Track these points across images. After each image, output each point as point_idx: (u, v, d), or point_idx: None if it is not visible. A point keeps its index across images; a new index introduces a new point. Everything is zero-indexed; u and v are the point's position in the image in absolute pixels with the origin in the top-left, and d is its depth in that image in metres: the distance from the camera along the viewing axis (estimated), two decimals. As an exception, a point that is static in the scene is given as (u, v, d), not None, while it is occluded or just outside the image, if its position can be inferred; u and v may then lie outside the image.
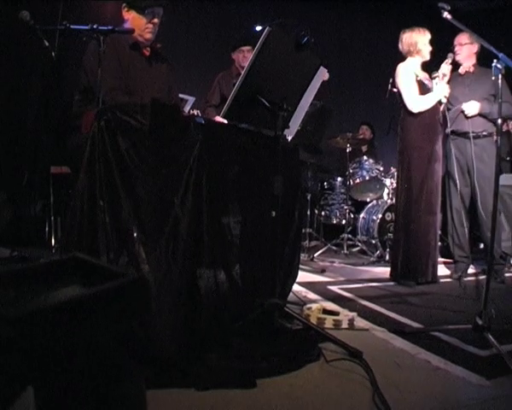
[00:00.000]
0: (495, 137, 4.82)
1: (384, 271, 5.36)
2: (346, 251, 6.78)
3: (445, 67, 4.97)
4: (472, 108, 5.11)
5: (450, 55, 5.09)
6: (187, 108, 4.67)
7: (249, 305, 2.84)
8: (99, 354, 1.30)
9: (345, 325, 3.14)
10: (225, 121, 3.13)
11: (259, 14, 7.68)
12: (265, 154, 3.02)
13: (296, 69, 3.12)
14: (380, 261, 6.20)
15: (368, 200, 7.33)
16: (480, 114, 5.12)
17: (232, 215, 2.87)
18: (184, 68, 6.90)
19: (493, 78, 3.08)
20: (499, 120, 3.13)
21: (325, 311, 3.27)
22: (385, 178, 6.99)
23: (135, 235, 2.45)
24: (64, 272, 1.52)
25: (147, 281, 2.19)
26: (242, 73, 2.84)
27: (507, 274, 5.46)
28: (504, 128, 6.86)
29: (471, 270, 5.61)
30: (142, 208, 2.47)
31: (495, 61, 3.03)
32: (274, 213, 2.83)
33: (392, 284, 4.82)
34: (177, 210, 2.48)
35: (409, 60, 5.01)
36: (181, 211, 2.49)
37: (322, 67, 3.29)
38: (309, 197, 7.31)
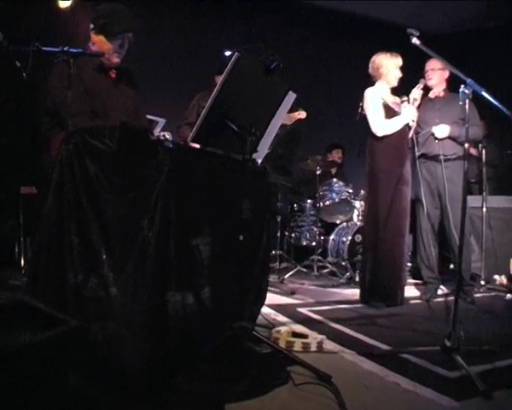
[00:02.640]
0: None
1: (354, 292, 5.37)
2: (316, 273, 6.76)
3: (417, 92, 5.02)
4: (442, 131, 5.17)
5: (422, 80, 5.16)
6: (157, 130, 4.64)
7: (218, 328, 2.82)
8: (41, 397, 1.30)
9: (314, 347, 3.13)
10: (197, 146, 3.13)
11: (231, 37, 7.71)
12: (234, 177, 3.02)
13: (265, 94, 3.15)
14: (349, 283, 6.20)
15: (338, 222, 7.34)
16: (449, 138, 5.20)
17: (201, 238, 2.86)
18: (157, 90, 6.90)
19: (461, 103, 3.13)
20: (466, 144, 3.18)
21: (294, 334, 3.27)
22: (354, 200, 7.03)
23: (103, 257, 2.44)
24: (12, 317, 1.52)
25: (85, 329, 2.18)
26: (210, 97, 2.85)
27: (477, 295, 5.52)
28: (474, 153, 6.97)
29: (441, 291, 5.64)
30: (111, 231, 2.46)
31: (462, 86, 3.08)
32: (241, 237, 2.84)
33: (361, 305, 4.83)
34: (144, 233, 2.47)
35: (377, 84, 5.06)
36: (148, 234, 2.48)
37: (291, 92, 3.30)
38: (279, 219, 7.31)
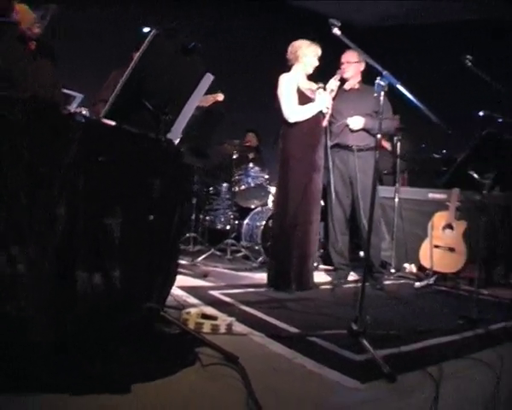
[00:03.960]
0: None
1: (265, 277, 5.40)
2: (229, 256, 6.79)
3: (334, 83, 5.09)
4: (356, 122, 5.28)
5: (339, 71, 5.24)
6: (74, 106, 4.53)
7: (127, 309, 2.79)
8: None
9: (223, 329, 3.14)
10: (111, 122, 3.07)
11: (152, 14, 7.58)
12: (147, 156, 2.99)
13: (182, 74, 3.12)
14: (262, 267, 6.17)
15: (252, 206, 7.35)
16: (363, 129, 5.31)
17: (113, 217, 2.81)
18: (76, 64, 6.72)
19: (375, 94, 3.19)
20: (378, 135, 3.25)
21: (204, 316, 3.26)
22: (270, 185, 7.03)
23: (10, 233, 2.35)
24: None
25: None
26: (125, 74, 2.81)
27: (387, 282, 5.69)
28: (386, 145, 7.16)
29: (352, 277, 5.76)
30: (17, 207, 2.37)
31: (378, 78, 3.14)
32: (152, 217, 2.81)
33: (272, 289, 4.86)
34: (52, 209, 2.41)
35: (293, 70, 5.05)
36: (56, 210, 2.42)
37: (208, 74, 3.28)
38: (194, 202, 7.30)
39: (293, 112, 4.89)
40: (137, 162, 2.99)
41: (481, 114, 4.84)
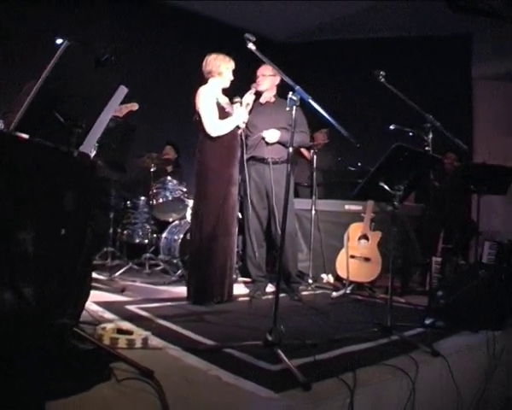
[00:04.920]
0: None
1: (184, 290, 5.33)
2: (147, 271, 6.74)
3: (249, 97, 5.17)
4: (272, 135, 5.36)
5: (254, 85, 5.32)
6: (-12, 119, 4.42)
7: (40, 325, 2.73)
8: None
9: (138, 344, 3.12)
10: (24, 135, 3.01)
11: (67, 25, 7.46)
12: (59, 169, 2.93)
13: (95, 86, 3.08)
14: (181, 281, 6.16)
15: (171, 220, 7.34)
16: (279, 142, 5.40)
17: (24, 231, 2.75)
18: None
19: (288, 108, 3.27)
20: (290, 149, 3.32)
21: (119, 331, 3.23)
22: (188, 198, 7.02)
23: None
24: None
25: None
26: (36, 86, 2.76)
27: (305, 292, 5.80)
28: (307, 155, 7.31)
29: (270, 289, 5.79)
30: None
31: (290, 93, 3.22)
32: (63, 231, 2.77)
33: (190, 303, 4.85)
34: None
35: (210, 82, 5.04)
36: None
37: (122, 86, 3.26)
38: (112, 215, 7.21)
39: (215, 126, 4.88)
40: (49, 175, 2.93)
41: (392, 127, 5.01)
